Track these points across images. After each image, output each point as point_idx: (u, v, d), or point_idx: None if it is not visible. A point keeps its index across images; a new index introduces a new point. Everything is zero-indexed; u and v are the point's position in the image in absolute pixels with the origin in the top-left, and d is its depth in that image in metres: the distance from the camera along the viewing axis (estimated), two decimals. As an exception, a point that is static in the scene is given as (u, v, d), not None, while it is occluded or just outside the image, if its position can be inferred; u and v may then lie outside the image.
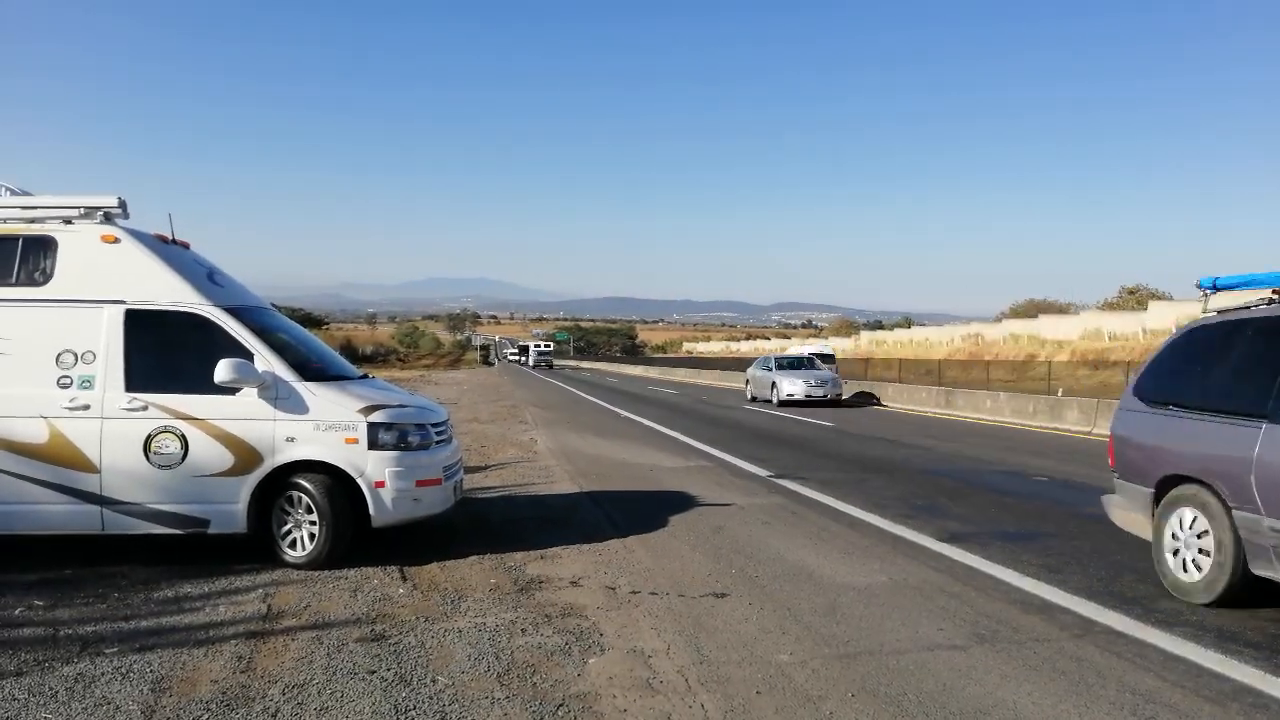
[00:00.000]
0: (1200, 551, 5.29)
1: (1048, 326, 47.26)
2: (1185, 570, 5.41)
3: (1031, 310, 57.56)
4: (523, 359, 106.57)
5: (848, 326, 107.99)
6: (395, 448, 5.99)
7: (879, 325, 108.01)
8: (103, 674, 4.04)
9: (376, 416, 5.98)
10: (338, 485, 5.87)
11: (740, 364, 58.31)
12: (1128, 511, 6.14)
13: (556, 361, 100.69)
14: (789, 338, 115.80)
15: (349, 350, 67.73)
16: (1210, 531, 5.20)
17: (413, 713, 3.67)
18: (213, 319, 5.96)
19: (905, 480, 10.45)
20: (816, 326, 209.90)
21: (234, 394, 5.80)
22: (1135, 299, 49.92)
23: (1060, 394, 21.99)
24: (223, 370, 5.65)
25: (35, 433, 5.66)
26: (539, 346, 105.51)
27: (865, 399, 26.72)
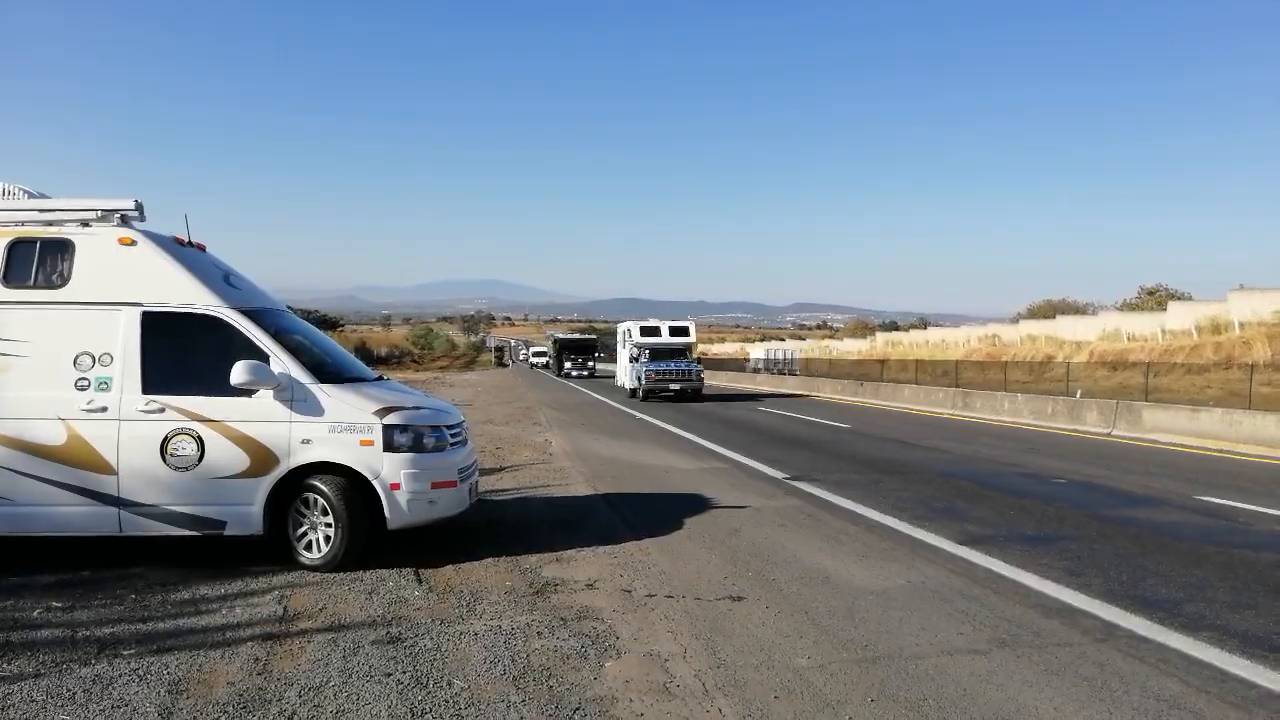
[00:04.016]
0: None
1: (1065, 327, 46.84)
2: None
3: (1049, 311, 57.07)
4: (564, 364, 59.21)
5: (863, 327, 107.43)
6: (410, 450, 5.99)
7: (895, 326, 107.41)
8: (120, 675, 4.05)
9: (392, 418, 5.98)
10: (353, 487, 5.87)
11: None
12: None
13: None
14: (804, 339, 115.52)
15: (364, 352, 67.86)
16: None
17: (429, 716, 3.66)
18: (229, 321, 5.97)
19: (922, 482, 10.36)
20: (832, 327, 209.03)
21: (250, 396, 5.82)
22: (1154, 299, 49.42)
23: (1079, 395, 21.76)
24: (239, 372, 5.67)
25: (53, 435, 5.69)
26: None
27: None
